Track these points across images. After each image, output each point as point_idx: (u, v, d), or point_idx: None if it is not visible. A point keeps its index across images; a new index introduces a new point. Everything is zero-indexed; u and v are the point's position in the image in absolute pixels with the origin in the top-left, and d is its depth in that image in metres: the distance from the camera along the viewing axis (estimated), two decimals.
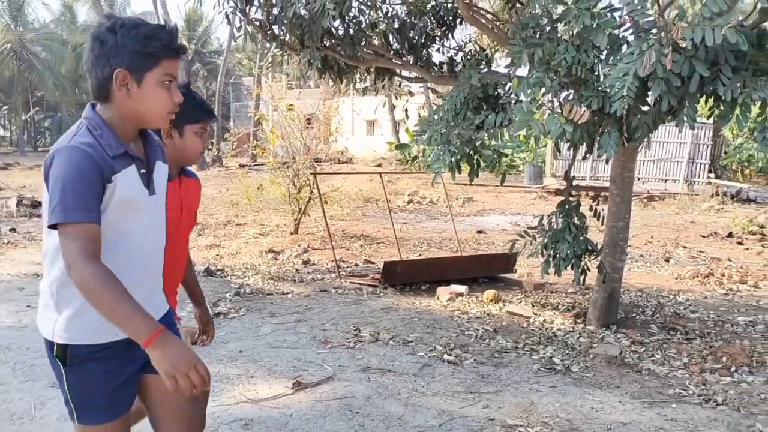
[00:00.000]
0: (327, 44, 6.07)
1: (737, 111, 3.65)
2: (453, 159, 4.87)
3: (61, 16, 42.50)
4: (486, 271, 7.62)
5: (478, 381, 4.10)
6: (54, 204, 1.61)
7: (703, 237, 10.87)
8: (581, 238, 5.04)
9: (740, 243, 10.31)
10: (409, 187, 17.29)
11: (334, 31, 5.98)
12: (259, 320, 5.43)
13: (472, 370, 4.30)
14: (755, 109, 3.79)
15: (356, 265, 8.42)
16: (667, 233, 11.14)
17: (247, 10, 5.67)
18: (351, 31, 5.79)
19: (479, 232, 11.77)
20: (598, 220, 5.27)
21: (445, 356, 4.51)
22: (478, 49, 6.35)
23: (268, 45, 6.11)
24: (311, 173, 9.20)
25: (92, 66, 1.72)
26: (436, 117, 5.10)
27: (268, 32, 5.80)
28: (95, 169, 1.65)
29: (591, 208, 5.26)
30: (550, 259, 5.14)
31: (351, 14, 5.76)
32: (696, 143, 17.63)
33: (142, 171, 1.80)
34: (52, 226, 1.63)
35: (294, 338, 4.94)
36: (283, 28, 5.49)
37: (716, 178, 17.81)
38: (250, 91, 22.75)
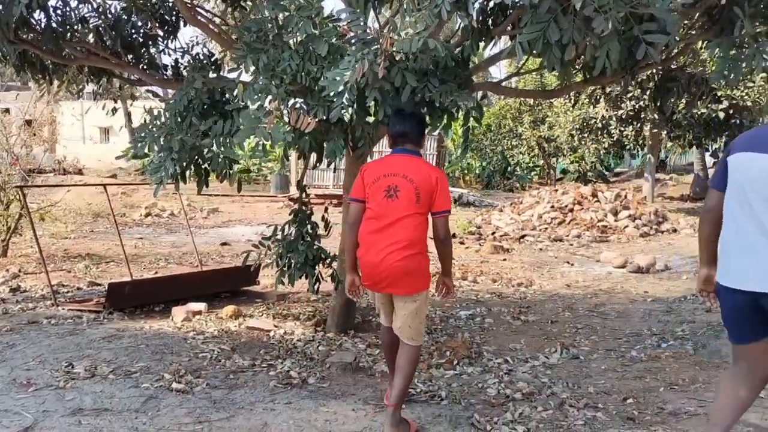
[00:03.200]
0: (26, 37, 5.21)
1: (445, 119, 3.89)
2: (177, 167, 4.49)
3: None
4: (228, 285, 7.29)
5: (209, 408, 3.77)
6: None
7: (431, 239, 11.75)
8: (314, 246, 5.01)
9: (462, 242, 11.39)
10: (148, 200, 16.10)
11: (35, 23, 5.16)
12: None
13: (203, 396, 3.95)
14: (461, 120, 4.08)
15: (79, 289, 7.48)
16: None
17: None
18: (53, 24, 5.04)
19: (223, 244, 11.37)
20: (326, 228, 5.30)
21: (174, 385, 4.08)
22: (206, 53, 6.00)
23: None
24: (16, 186, 7.93)
25: None
26: (157, 123, 4.65)
27: None
28: None
29: (322, 218, 5.27)
30: (285, 268, 5.03)
31: (53, 4, 5.02)
32: (423, 153, 19.23)
33: None
34: None
35: None
36: None
37: None
38: None
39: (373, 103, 4.08)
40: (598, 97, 15.33)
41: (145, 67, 5.88)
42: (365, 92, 3.76)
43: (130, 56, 5.72)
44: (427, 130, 4.52)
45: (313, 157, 5.07)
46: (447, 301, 6.27)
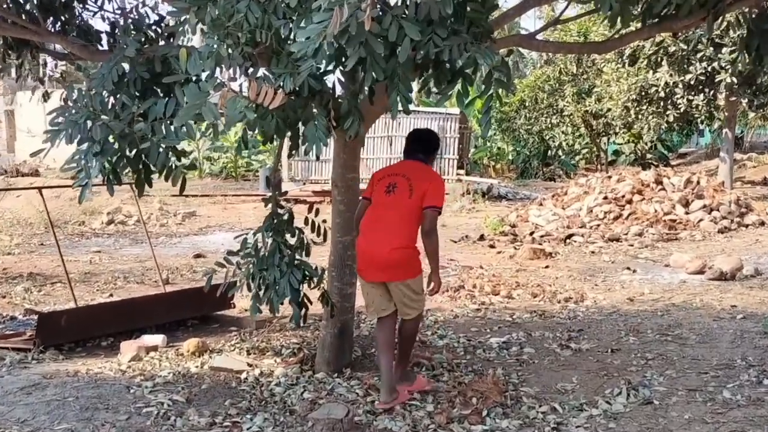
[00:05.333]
0: None
1: (458, 84, 3.37)
2: (104, 163, 4.00)
3: None
4: (196, 309, 6.87)
5: None
6: None
7: (455, 242, 11.31)
8: (296, 262, 4.49)
9: (492, 246, 10.91)
10: (111, 204, 15.74)
11: None
12: None
13: None
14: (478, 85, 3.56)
15: (12, 318, 7.09)
16: None
17: None
18: None
19: (197, 256, 10.96)
20: (318, 235, 4.80)
21: None
22: (156, 17, 5.53)
23: None
24: None
25: None
26: (78, 105, 4.16)
27: None
28: None
29: (306, 221, 4.75)
30: (260, 292, 4.52)
31: None
32: (443, 137, 18.65)
33: None
34: None
35: None
36: None
37: (466, 174, 19.10)
38: None
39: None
40: (659, 58, 14.65)
41: (73, 35, 5.43)
42: (346, 51, 3.24)
43: (52, 21, 5.27)
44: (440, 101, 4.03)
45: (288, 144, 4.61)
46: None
